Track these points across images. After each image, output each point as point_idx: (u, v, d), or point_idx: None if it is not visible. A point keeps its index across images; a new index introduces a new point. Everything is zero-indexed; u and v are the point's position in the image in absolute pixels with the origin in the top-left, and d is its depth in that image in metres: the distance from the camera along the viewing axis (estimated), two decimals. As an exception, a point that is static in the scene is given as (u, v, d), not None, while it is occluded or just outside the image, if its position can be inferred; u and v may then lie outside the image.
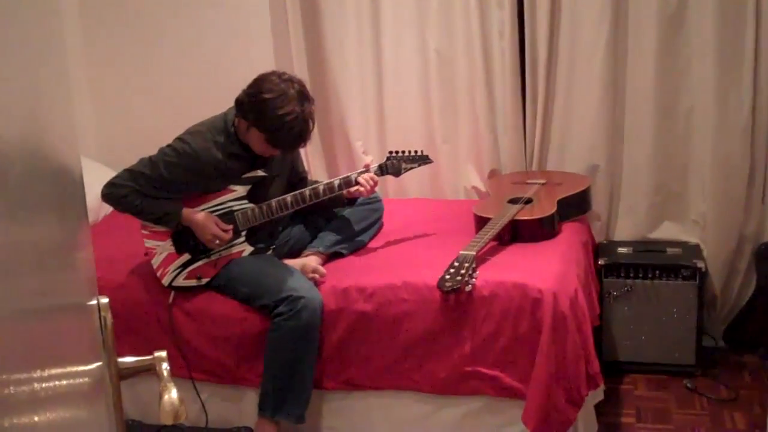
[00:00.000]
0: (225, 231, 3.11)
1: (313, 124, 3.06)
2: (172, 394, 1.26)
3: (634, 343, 3.70)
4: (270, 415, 3.04)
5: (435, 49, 3.96)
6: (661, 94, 3.75)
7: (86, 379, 1.07)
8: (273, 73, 3.06)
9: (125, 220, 3.46)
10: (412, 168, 3.37)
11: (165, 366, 1.28)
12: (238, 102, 3.06)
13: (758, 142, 3.69)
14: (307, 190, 3.22)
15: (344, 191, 3.27)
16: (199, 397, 3.19)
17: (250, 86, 3.04)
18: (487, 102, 3.95)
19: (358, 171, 3.29)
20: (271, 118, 2.97)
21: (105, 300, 1.22)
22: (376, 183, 3.27)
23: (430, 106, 4.05)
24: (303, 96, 3.02)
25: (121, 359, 1.28)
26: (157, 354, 1.29)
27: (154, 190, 3.08)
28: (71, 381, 0.99)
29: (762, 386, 3.51)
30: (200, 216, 3.10)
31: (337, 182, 3.25)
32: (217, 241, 3.10)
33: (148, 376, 3.44)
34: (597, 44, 3.73)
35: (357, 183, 3.23)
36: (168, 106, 4.23)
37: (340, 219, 3.42)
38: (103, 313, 1.21)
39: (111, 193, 3.11)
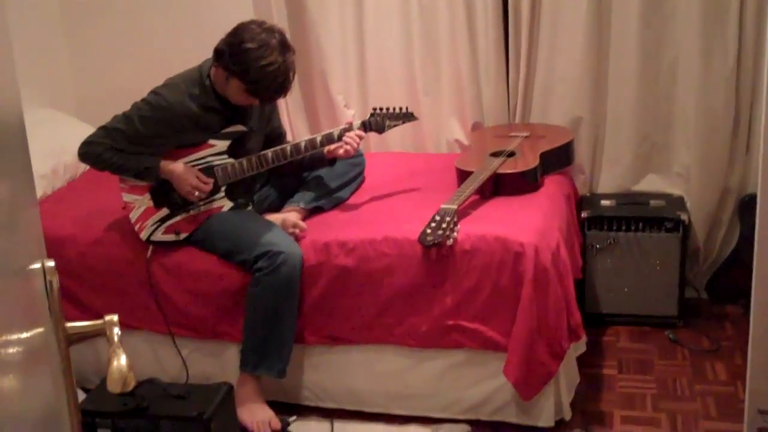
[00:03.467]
0: (205, 183, 3.08)
1: (294, 74, 3.02)
2: (121, 361, 1.22)
3: (617, 295, 3.70)
4: (251, 370, 3.04)
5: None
6: (645, 44, 3.70)
7: (23, 348, 1.04)
8: (253, 22, 3.01)
9: (104, 176, 3.42)
10: (396, 125, 3.34)
11: (116, 331, 1.24)
12: (218, 51, 3.00)
13: (743, 93, 3.65)
14: (288, 146, 3.18)
15: (325, 150, 3.23)
16: (180, 353, 3.18)
17: (230, 35, 2.99)
18: (470, 54, 3.89)
19: (341, 128, 3.26)
20: (253, 69, 2.92)
21: (50, 263, 1.18)
22: (359, 142, 3.23)
23: (411, 58, 3.99)
24: (284, 46, 2.97)
25: (69, 324, 1.23)
26: (107, 318, 1.25)
27: (130, 146, 3.04)
28: (6, 349, 0.96)
29: (743, 337, 3.52)
30: (179, 167, 3.06)
31: (319, 138, 3.21)
32: (197, 193, 3.07)
33: (131, 334, 3.41)
34: (581, -6, 3.67)
35: (340, 140, 3.20)
36: (147, 60, 4.16)
37: (320, 174, 3.38)
38: (49, 277, 1.16)
39: (87, 152, 3.08)
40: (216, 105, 3.07)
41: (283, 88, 3.00)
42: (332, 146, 3.22)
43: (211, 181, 3.09)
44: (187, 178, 3.05)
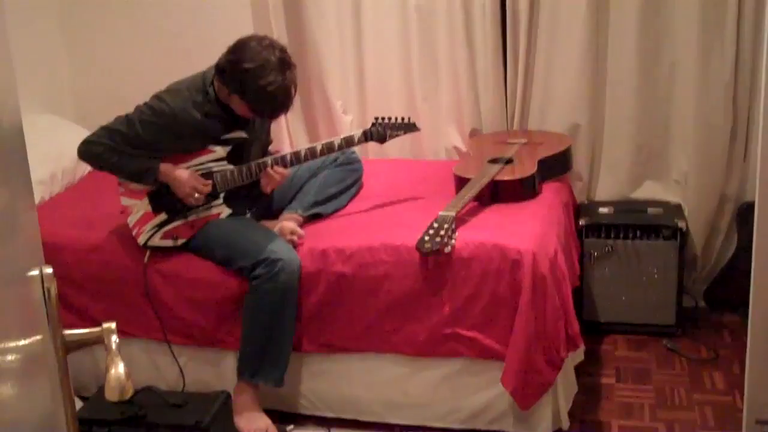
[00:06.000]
0: (204, 185, 3.07)
1: (296, 90, 3.03)
2: (119, 369, 1.21)
3: (615, 303, 3.69)
4: (249, 379, 3.03)
5: (415, 5, 3.89)
6: (644, 51, 3.70)
7: (21, 355, 1.03)
8: (253, 38, 3.00)
9: (103, 181, 3.42)
10: (397, 135, 3.34)
11: (114, 338, 1.23)
12: (219, 69, 3.01)
13: (741, 100, 3.66)
14: (288, 154, 3.18)
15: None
16: (177, 361, 3.17)
17: (230, 52, 2.99)
18: (468, 60, 3.89)
19: (342, 136, 3.26)
20: (253, 89, 2.93)
21: (49, 270, 1.17)
22: (284, 176, 3.17)
23: (410, 64, 3.99)
24: (284, 63, 2.97)
25: (67, 331, 1.23)
26: (105, 325, 1.24)
27: (130, 148, 3.04)
28: (4, 357, 0.95)
29: (741, 346, 3.51)
30: (180, 172, 3.05)
31: (319, 147, 3.21)
32: (196, 195, 3.06)
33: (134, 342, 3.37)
34: (579, 1, 3.67)
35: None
36: (146, 65, 4.17)
37: (318, 180, 3.38)
38: (47, 284, 1.16)
39: (87, 150, 3.08)
40: (218, 113, 3.07)
41: (284, 106, 3.01)
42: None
43: (209, 183, 3.09)
44: (187, 180, 3.05)
